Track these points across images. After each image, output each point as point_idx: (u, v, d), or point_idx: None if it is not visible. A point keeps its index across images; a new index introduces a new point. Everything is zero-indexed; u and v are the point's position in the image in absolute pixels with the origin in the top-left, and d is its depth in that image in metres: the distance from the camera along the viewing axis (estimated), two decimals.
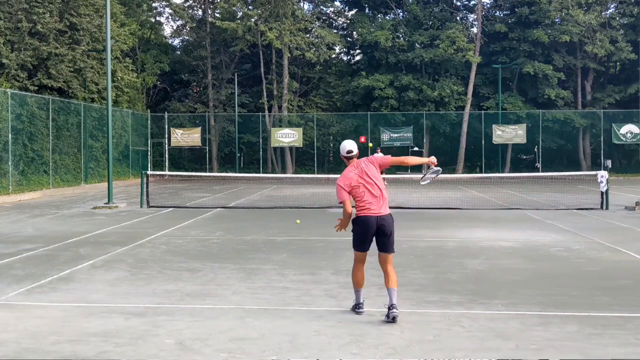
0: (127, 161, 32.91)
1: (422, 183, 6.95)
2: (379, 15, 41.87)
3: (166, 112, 38.39)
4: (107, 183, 19.81)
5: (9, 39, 24.87)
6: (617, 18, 38.62)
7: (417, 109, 37.78)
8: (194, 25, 40.25)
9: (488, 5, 41.28)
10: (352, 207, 6.28)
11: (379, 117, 37.53)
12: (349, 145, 6.47)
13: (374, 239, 6.25)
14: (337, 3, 43.31)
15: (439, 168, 6.71)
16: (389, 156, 6.64)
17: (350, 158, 6.48)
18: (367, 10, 42.21)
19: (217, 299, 7.00)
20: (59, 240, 11.43)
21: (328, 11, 43.34)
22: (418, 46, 38.55)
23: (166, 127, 37.50)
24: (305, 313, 6.33)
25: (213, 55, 39.12)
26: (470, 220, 14.40)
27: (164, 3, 40.47)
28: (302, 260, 9.36)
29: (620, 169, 37.70)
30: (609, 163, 34.91)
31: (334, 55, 43.01)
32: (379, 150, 30.84)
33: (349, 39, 43.00)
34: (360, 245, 6.33)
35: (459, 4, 41.97)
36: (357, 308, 6.39)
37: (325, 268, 8.75)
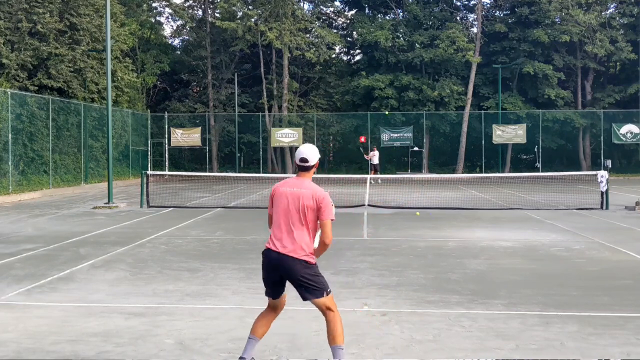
0: (127, 161, 32.90)
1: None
2: (379, 15, 41.83)
3: (166, 112, 38.38)
4: (107, 183, 19.80)
5: (9, 39, 24.87)
6: (617, 18, 38.60)
7: (417, 109, 37.75)
8: (194, 25, 40.23)
9: (488, 5, 41.29)
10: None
11: (379, 117, 37.52)
12: (304, 152, 4.68)
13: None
14: (337, 3, 43.31)
15: None
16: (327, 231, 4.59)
17: (304, 169, 4.67)
18: (367, 10, 42.19)
19: (217, 299, 7.00)
20: (59, 240, 11.43)
21: (328, 11, 43.32)
22: (418, 46, 38.51)
23: (166, 127, 37.48)
24: (305, 313, 6.32)
25: (213, 55, 39.11)
26: (470, 220, 14.40)
27: (164, 3, 40.45)
28: None
29: (620, 169, 37.66)
30: (609, 163, 34.87)
31: (334, 55, 42.98)
32: (375, 149, 30.97)
33: (349, 39, 42.97)
34: (264, 285, 4.72)
35: (459, 4, 41.94)
36: None
37: (325, 268, 8.73)
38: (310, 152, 4.67)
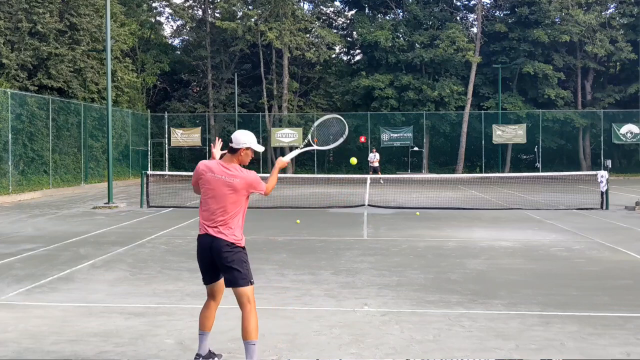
0: (127, 161, 32.90)
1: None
2: (379, 15, 41.85)
3: (166, 112, 38.39)
4: (107, 183, 19.80)
5: (9, 39, 24.87)
6: (617, 18, 38.60)
7: (417, 109, 37.76)
8: (194, 25, 40.25)
9: (488, 5, 41.30)
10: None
11: (379, 117, 37.52)
12: (235, 133, 4.69)
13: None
14: (337, 3, 43.32)
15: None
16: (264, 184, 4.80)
17: (229, 150, 4.68)
18: (367, 10, 42.19)
19: None
20: (59, 240, 11.43)
21: (328, 11, 43.33)
22: (418, 46, 38.53)
23: (166, 127, 37.49)
24: (305, 313, 6.32)
25: (213, 55, 39.12)
26: (470, 220, 14.40)
27: (164, 3, 40.47)
28: (302, 260, 9.36)
29: (620, 169, 37.67)
30: (609, 163, 34.88)
31: (334, 55, 42.97)
32: (374, 150, 31.06)
33: (349, 39, 42.97)
34: (201, 273, 4.79)
35: (459, 4, 41.95)
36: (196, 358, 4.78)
37: (325, 268, 8.74)
38: (239, 135, 4.65)
